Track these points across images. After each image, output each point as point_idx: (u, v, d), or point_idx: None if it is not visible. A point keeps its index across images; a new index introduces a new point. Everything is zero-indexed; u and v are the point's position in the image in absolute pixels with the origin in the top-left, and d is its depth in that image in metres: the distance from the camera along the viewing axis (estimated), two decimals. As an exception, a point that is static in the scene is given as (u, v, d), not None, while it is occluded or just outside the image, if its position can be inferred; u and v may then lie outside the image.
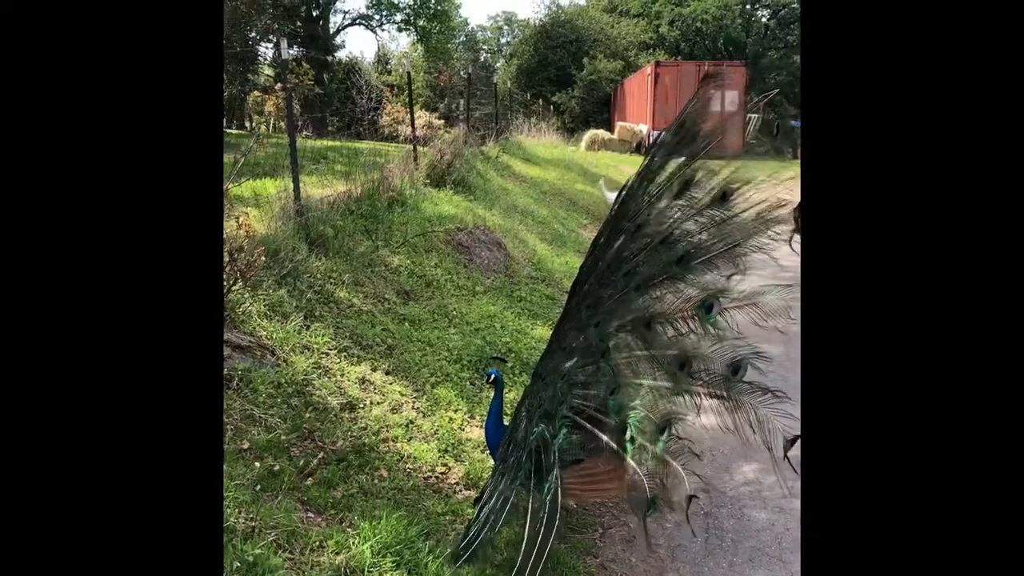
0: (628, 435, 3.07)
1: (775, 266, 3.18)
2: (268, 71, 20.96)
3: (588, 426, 3.18)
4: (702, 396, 3.09)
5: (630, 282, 3.34)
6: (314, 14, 27.34)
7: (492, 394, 3.91)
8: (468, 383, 5.30)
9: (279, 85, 7.15)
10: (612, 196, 12.85)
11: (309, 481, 3.72)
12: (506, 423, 3.77)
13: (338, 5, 31.02)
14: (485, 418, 3.93)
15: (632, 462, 3.02)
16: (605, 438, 3.12)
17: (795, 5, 41.61)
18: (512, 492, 3.18)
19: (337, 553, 3.17)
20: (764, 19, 44.70)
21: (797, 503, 3.97)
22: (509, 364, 5.70)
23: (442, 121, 21.08)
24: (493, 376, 3.88)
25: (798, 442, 2.85)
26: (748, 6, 43.13)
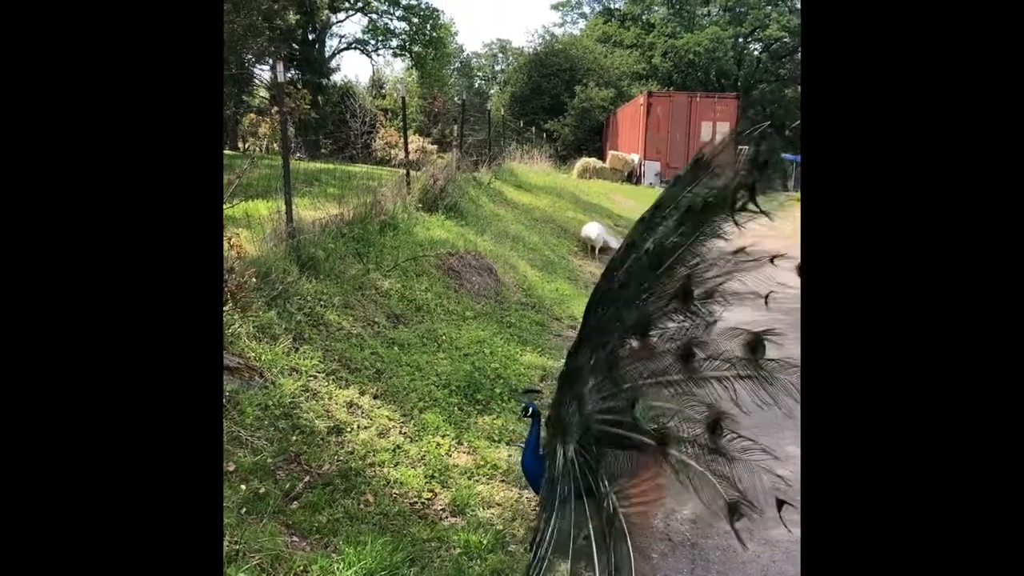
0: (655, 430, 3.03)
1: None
2: (263, 93, 21.06)
3: (626, 435, 3.17)
4: (730, 380, 3.01)
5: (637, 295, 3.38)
6: (310, 38, 27.55)
7: (528, 427, 3.86)
8: (456, 408, 5.28)
9: (275, 108, 7.17)
10: (597, 238, 12.74)
11: (294, 505, 3.70)
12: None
13: (334, 29, 31.18)
14: (523, 451, 3.87)
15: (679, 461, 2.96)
16: (646, 442, 3.05)
17: (787, 39, 42.12)
18: (568, 518, 3.12)
19: (321, 578, 3.15)
20: (756, 52, 45.23)
21: (783, 535, 3.96)
22: (498, 390, 5.69)
23: (435, 146, 21.18)
24: (531, 409, 3.83)
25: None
26: (740, 39, 43.66)
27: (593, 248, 13.12)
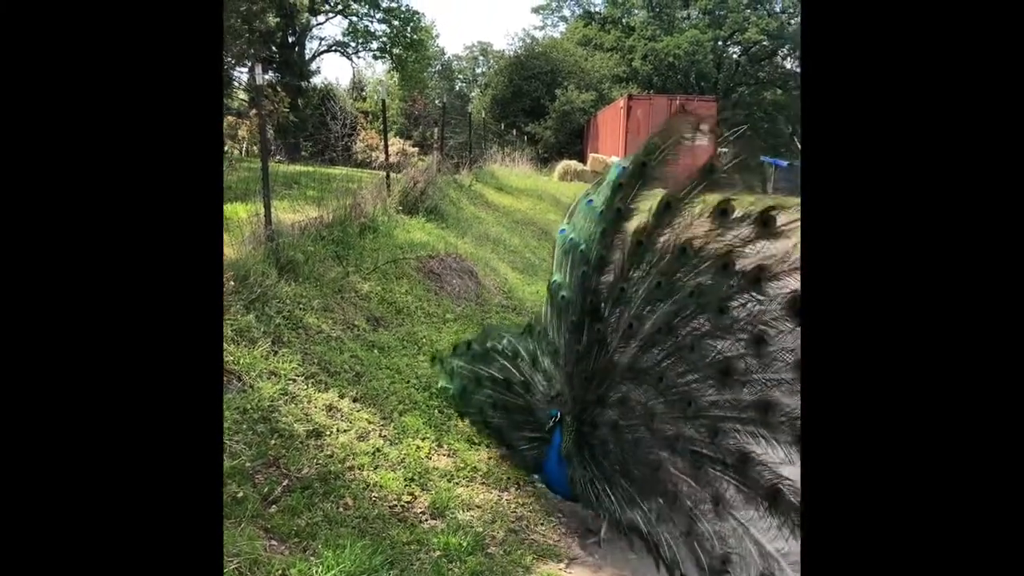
0: None
1: None
2: (242, 95, 20.95)
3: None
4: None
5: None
6: (290, 40, 27.40)
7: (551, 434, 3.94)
8: (436, 411, 5.27)
9: (254, 111, 7.16)
10: None
11: (273, 509, 3.68)
12: None
13: (314, 32, 31.02)
14: (547, 458, 3.98)
15: None
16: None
17: (765, 42, 42.42)
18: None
19: (299, 582, 3.13)
20: (735, 55, 45.51)
21: (758, 536, 3.99)
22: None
23: (416, 149, 21.16)
24: (558, 416, 3.84)
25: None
26: (719, 42, 43.90)
27: None
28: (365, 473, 4.26)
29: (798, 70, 42.54)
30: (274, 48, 25.94)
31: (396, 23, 31.89)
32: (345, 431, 4.62)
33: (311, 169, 12.84)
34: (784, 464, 3.32)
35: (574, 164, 29.41)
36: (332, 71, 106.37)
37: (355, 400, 5.06)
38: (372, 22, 32.10)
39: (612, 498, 3.68)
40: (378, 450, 4.54)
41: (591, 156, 30.36)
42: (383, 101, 13.90)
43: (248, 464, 3.89)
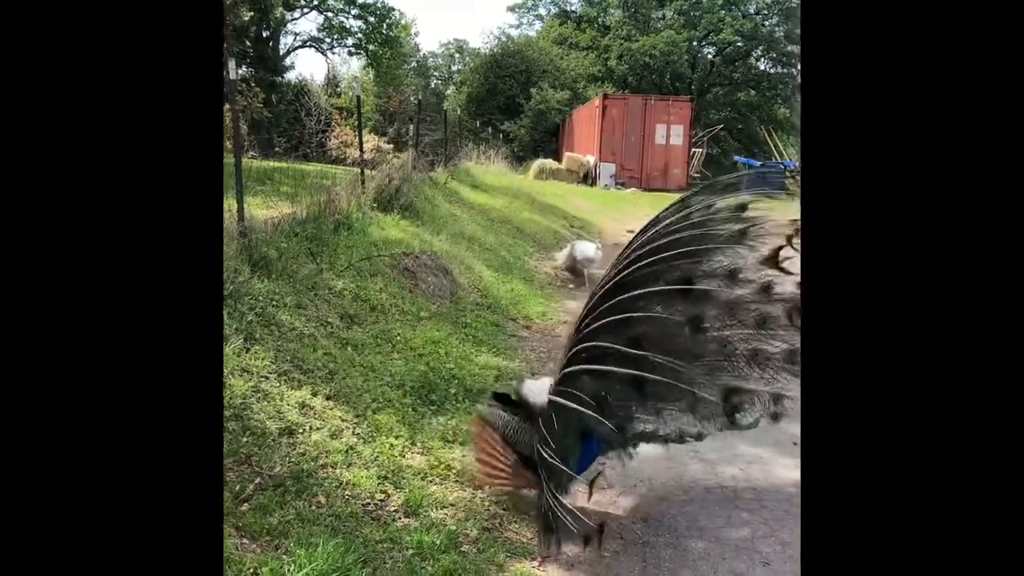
0: None
1: None
2: (215, 90, 20.78)
3: None
4: None
5: None
6: (264, 35, 27.19)
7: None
8: (410, 409, 5.25)
9: (226, 105, 7.09)
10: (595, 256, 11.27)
11: (245, 507, 3.65)
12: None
13: (289, 27, 30.71)
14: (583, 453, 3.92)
15: None
16: None
17: (740, 43, 42.75)
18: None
19: (271, 581, 3.11)
20: (710, 56, 45.82)
21: (735, 533, 4.03)
22: (453, 391, 5.68)
23: (391, 145, 21.10)
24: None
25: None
26: (694, 43, 44.18)
27: (582, 272, 11.14)
28: (338, 471, 4.23)
29: (772, 71, 42.98)
30: (248, 43, 25.72)
31: (371, 19, 31.76)
32: (318, 429, 4.59)
33: (285, 165, 12.76)
34: None
35: (549, 163, 29.47)
36: (306, 67, 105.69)
37: (328, 398, 5.03)
38: (347, 18, 31.99)
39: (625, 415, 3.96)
40: (351, 448, 4.51)
41: (566, 155, 30.45)
42: (358, 97, 13.83)
43: (219, 462, 3.86)
